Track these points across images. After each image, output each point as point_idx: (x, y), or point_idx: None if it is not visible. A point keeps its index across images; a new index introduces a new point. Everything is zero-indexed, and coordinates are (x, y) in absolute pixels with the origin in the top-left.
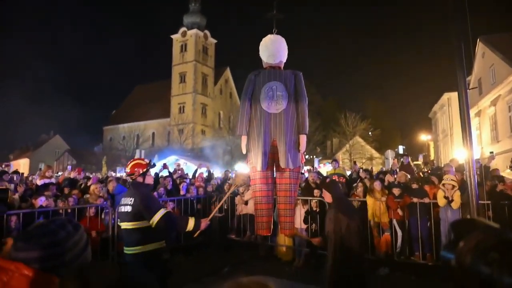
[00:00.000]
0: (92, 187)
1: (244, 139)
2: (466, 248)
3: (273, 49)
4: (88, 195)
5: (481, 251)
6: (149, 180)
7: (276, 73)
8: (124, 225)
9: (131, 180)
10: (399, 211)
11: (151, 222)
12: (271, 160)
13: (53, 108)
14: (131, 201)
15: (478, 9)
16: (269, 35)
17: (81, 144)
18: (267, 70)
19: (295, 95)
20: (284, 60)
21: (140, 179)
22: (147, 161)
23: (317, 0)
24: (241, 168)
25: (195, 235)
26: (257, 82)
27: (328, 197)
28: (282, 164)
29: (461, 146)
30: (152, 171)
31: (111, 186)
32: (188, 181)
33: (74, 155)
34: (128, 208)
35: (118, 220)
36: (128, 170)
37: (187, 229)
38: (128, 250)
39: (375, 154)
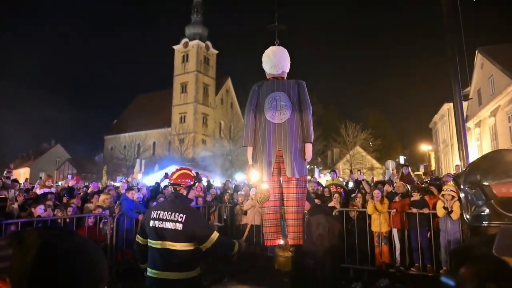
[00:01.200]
0: (102, 197)
1: (249, 150)
2: (465, 276)
3: (275, 60)
4: (90, 204)
5: (479, 280)
6: (192, 195)
7: (279, 83)
8: (167, 244)
9: (173, 191)
10: (399, 221)
11: (203, 246)
12: (277, 169)
13: (54, 117)
14: (181, 218)
15: (476, 21)
16: (271, 47)
17: (82, 153)
18: (270, 81)
19: (299, 104)
20: (287, 70)
21: (184, 192)
22: (194, 173)
23: (319, 11)
24: (262, 184)
25: (235, 259)
26: (261, 93)
27: (306, 205)
28: (288, 173)
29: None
30: (155, 179)
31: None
32: None
33: (75, 164)
34: (178, 226)
35: (153, 236)
36: (173, 178)
37: (233, 253)
38: (166, 275)
39: (376, 164)
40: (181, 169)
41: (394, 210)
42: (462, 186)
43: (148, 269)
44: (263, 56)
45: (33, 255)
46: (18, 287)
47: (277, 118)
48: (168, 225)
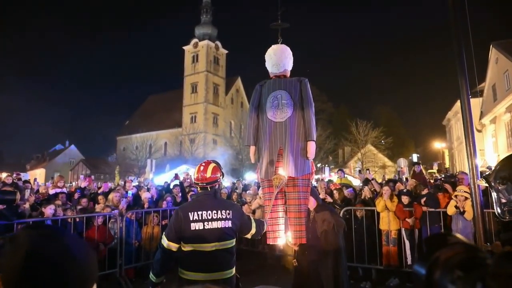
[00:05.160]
0: (111, 195)
1: (252, 149)
2: (435, 264)
3: (276, 59)
4: (99, 204)
5: (448, 267)
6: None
7: (281, 82)
8: (218, 245)
9: (209, 188)
10: (409, 220)
11: (250, 233)
12: (279, 168)
13: (68, 119)
14: (228, 214)
15: (491, 16)
16: (273, 45)
17: (95, 154)
18: (272, 80)
19: (300, 102)
20: (289, 68)
21: (216, 186)
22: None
23: (329, 9)
24: (280, 170)
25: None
26: (263, 92)
27: (313, 202)
28: (289, 172)
29: (478, 153)
30: (166, 179)
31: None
32: (195, 190)
33: (89, 164)
34: (227, 223)
35: (199, 240)
36: (209, 176)
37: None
38: (219, 275)
39: (388, 162)
40: (208, 163)
41: (413, 218)
42: (493, 183)
43: (190, 273)
44: (265, 55)
45: (22, 255)
46: (8, 286)
47: (278, 116)
48: (216, 224)
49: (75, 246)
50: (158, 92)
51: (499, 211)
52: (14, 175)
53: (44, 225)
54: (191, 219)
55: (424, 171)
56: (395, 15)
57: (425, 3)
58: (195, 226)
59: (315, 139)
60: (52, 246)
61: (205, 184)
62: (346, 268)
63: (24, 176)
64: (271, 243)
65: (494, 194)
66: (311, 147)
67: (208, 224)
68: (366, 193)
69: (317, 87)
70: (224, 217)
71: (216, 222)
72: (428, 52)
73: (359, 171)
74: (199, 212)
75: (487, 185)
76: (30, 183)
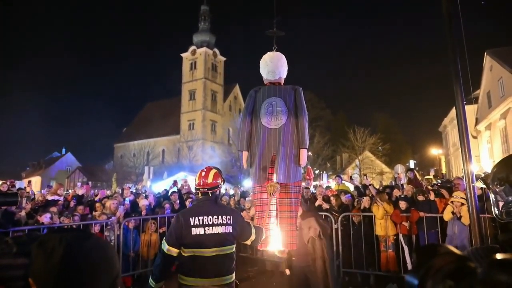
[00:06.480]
0: (108, 203)
1: (245, 155)
2: (427, 274)
3: (272, 66)
4: (96, 212)
5: (439, 277)
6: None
7: (276, 89)
8: (219, 250)
9: (210, 194)
10: (406, 225)
11: (249, 240)
12: (271, 174)
13: (65, 126)
14: (229, 219)
15: (485, 23)
16: (268, 52)
17: (92, 161)
18: (267, 86)
19: (294, 110)
20: (284, 76)
21: (217, 192)
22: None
23: (327, 16)
24: (274, 177)
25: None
26: (258, 98)
27: (299, 209)
28: (279, 178)
29: (473, 159)
30: (163, 186)
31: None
32: (193, 197)
33: (85, 172)
34: (227, 228)
35: (199, 245)
36: (209, 180)
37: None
38: (219, 281)
39: (386, 168)
40: (210, 168)
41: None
42: (491, 185)
43: (190, 279)
44: (260, 61)
45: (59, 256)
46: (44, 287)
47: (272, 123)
48: (217, 229)
49: (103, 243)
50: (156, 99)
51: (496, 212)
52: (8, 182)
53: (70, 228)
54: (192, 224)
55: (419, 176)
56: (394, 24)
57: (422, 11)
58: (196, 231)
59: (307, 147)
60: (86, 244)
61: (206, 189)
62: (335, 274)
63: (19, 184)
64: (261, 249)
65: (492, 196)
66: (304, 154)
67: (209, 229)
68: (366, 203)
69: (315, 94)
70: (224, 222)
71: (216, 227)
72: (426, 60)
73: (350, 177)
74: (200, 217)
75: (484, 186)
76: (25, 190)
